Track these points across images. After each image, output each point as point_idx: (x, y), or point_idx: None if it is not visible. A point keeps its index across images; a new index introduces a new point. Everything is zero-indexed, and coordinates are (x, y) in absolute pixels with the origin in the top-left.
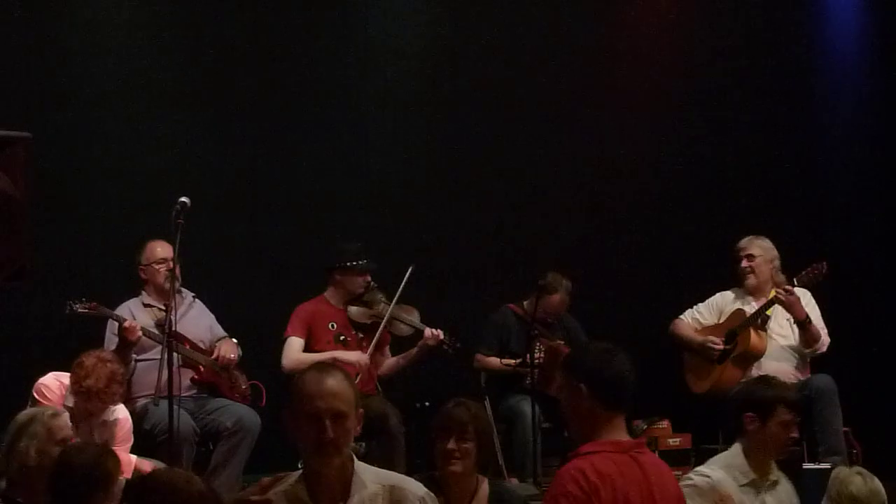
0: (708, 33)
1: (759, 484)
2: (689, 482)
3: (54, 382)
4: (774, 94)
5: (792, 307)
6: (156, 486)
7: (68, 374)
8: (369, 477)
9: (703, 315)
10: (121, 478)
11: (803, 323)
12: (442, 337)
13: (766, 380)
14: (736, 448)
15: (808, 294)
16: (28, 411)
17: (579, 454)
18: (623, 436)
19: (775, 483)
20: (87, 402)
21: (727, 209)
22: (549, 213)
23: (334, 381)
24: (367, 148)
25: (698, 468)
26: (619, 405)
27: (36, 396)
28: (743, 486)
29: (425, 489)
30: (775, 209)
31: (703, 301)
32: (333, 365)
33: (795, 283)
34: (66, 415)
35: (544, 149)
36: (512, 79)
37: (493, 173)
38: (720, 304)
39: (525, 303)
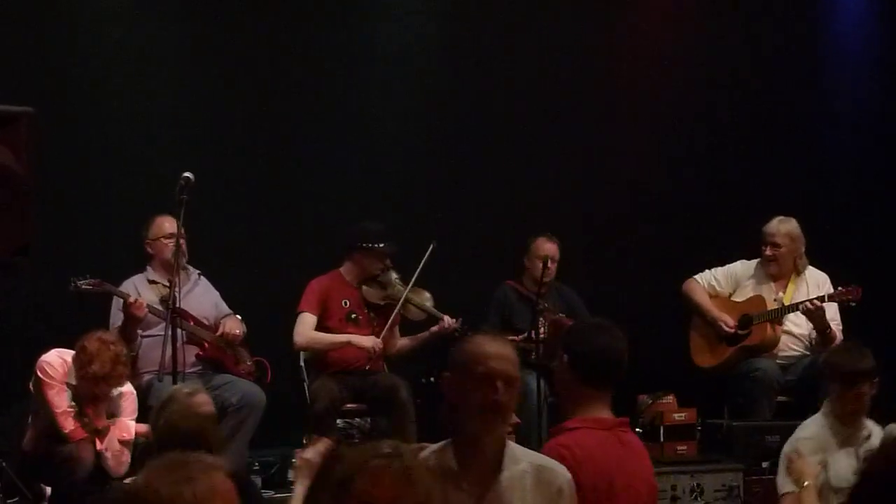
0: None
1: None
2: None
3: (57, 360)
4: (780, 70)
5: (815, 320)
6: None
7: (71, 352)
8: (519, 453)
9: (720, 283)
10: (126, 439)
11: (823, 331)
12: (456, 326)
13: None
14: (826, 408)
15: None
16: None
17: (563, 430)
18: (606, 413)
19: (868, 437)
20: (95, 387)
21: (739, 186)
22: (550, 190)
23: (507, 348)
24: (372, 127)
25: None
26: (598, 382)
27: (39, 374)
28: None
29: (570, 475)
30: (790, 188)
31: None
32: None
33: (825, 298)
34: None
35: (552, 124)
36: (512, 68)
37: (499, 149)
38: (738, 276)
39: (524, 279)
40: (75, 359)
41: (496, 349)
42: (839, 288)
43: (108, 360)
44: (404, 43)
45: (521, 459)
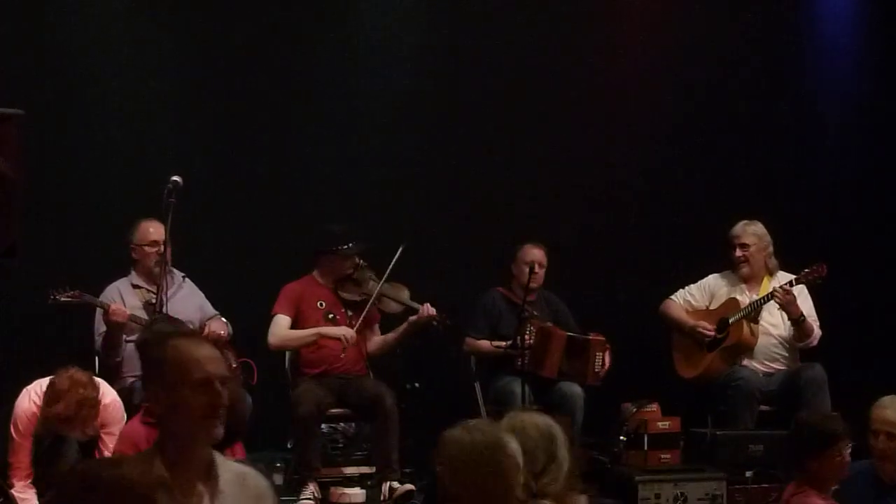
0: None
1: None
2: None
3: (30, 409)
4: (769, 80)
5: (788, 307)
6: None
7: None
8: (221, 459)
9: (695, 297)
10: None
11: (798, 320)
12: (433, 313)
13: None
14: None
15: (805, 289)
16: None
17: None
18: None
19: None
20: (57, 427)
21: (719, 193)
22: (540, 197)
23: (212, 348)
24: (361, 131)
25: None
26: None
27: (12, 425)
28: None
29: (267, 481)
30: (768, 193)
31: (694, 283)
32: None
33: (793, 282)
34: None
35: (537, 133)
36: (505, 72)
37: (485, 157)
38: (712, 288)
39: (513, 285)
40: (44, 393)
41: (209, 352)
42: (804, 270)
43: (74, 402)
44: (392, 47)
45: (225, 465)
